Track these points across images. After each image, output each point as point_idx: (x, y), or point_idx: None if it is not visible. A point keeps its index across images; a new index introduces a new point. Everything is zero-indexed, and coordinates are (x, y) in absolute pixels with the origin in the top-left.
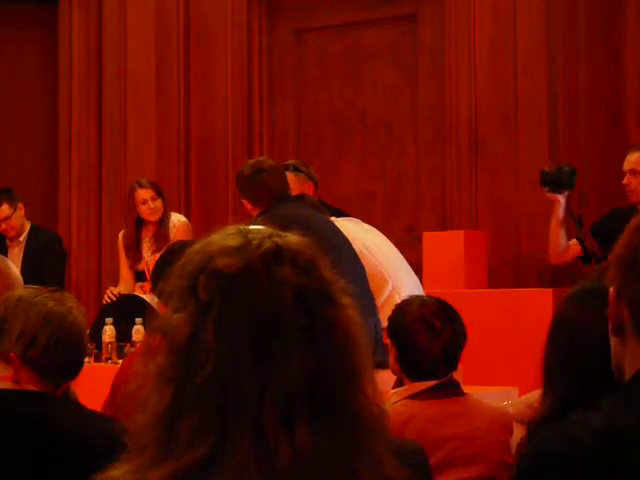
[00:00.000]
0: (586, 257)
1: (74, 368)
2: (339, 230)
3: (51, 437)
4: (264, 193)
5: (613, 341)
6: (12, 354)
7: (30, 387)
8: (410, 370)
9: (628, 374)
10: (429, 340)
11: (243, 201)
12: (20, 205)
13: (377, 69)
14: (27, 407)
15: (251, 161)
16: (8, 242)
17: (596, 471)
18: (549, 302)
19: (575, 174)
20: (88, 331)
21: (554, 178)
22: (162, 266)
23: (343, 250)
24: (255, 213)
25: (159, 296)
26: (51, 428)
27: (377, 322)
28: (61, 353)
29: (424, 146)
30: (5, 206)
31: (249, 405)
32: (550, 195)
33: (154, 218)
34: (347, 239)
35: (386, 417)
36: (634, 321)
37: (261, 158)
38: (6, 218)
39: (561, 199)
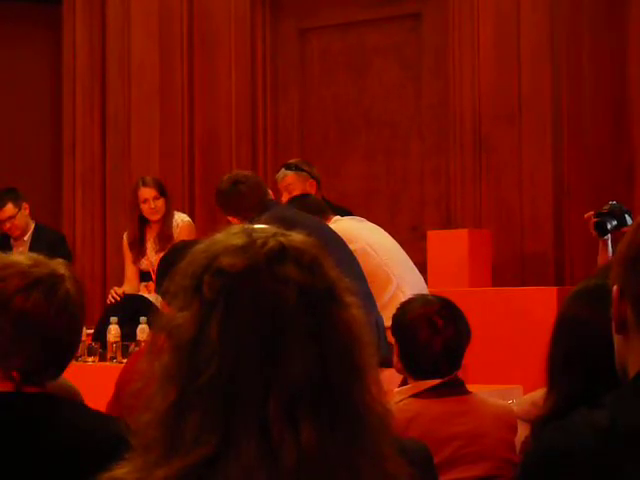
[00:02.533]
0: None
1: (67, 365)
2: (333, 231)
3: (54, 439)
4: (244, 204)
5: (616, 339)
6: (15, 373)
7: (31, 390)
8: (412, 368)
9: (632, 371)
10: (430, 337)
11: (229, 218)
12: (25, 205)
13: (381, 68)
14: (29, 409)
15: (225, 177)
16: (12, 241)
17: (600, 469)
18: (553, 300)
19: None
20: (92, 330)
21: (612, 217)
22: (165, 266)
23: (340, 251)
24: None
25: (163, 295)
26: (54, 430)
27: (379, 318)
28: (61, 367)
29: (428, 145)
30: (9, 206)
31: (253, 404)
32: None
33: (154, 218)
34: (342, 239)
35: (391, 416)
36: (637, 319)
37: (235, 171)
38: (10, 217)
39: (608, 239)
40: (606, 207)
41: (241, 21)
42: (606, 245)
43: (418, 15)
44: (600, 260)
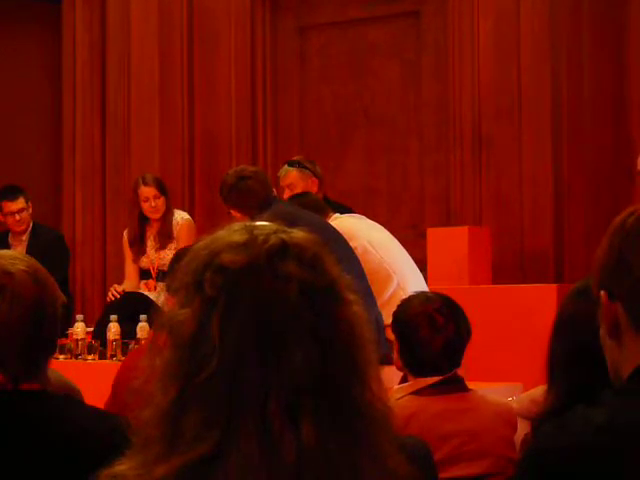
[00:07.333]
0: None
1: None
2: (335, 228)
3: (54, 436)
4: (251, 200)
5: (609, 345)
6: (2, 379)
7: (27, 387)
8: (413, 365)
9: (627, 370)
10: (431, 335)
11: (231, 211)
12: (30, 204)
13: (381, 65)
14: (26, 406)
15: (232, 170)
16: (10, 240)
17: (598, 466)
18: (553, 298)
19: None
20: (92, 328)
21: None
22: (175, 263)
23: (340, 248)
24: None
25: (169, 292)
26: (52, 427)
27: (379, 315)
28: (32, 364)
29: (428, 142)
30: (22, 199)
31: (254, 400)
32: None
33: (155, 216)
34: (344, 237)
35: (391, 413)
36: (630, 316)
37: (242, 166)
38: (21, 210)
39: None
40: None
41: (241, 19)
42: None
43: (417, 12)
44: None
